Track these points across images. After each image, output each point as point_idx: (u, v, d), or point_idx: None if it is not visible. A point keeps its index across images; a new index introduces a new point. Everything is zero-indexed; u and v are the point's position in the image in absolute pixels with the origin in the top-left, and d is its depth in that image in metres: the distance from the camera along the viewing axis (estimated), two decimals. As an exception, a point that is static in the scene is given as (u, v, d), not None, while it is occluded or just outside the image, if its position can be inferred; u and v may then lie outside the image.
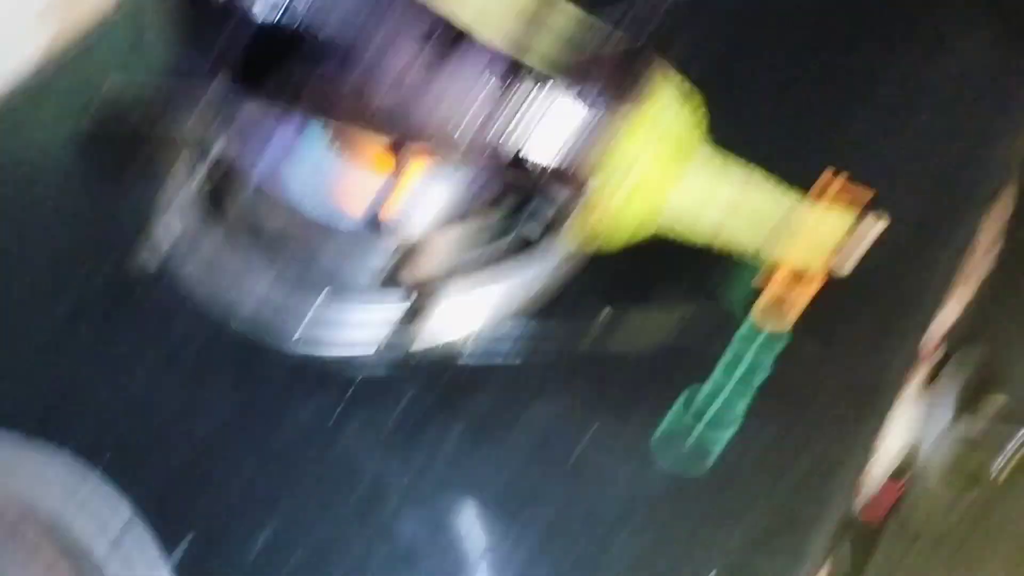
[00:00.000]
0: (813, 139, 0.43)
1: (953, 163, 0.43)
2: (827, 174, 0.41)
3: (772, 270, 0.38)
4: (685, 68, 0.36)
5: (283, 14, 0.33)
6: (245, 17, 0.33)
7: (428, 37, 0.33)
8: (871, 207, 0.40)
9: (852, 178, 0.41)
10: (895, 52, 0.46)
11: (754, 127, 0.42)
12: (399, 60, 0.33)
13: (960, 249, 0.41)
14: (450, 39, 0.33)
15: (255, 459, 0.36)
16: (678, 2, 0.40)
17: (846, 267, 0.36)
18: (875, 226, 0.34)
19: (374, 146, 0.40)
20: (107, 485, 0.35)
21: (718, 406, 0.36)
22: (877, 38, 0.47)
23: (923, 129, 0.43)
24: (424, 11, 0.33)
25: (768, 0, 0.49)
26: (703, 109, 0.36)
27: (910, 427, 0.41)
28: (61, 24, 0.53)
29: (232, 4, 0.33)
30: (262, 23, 0.33)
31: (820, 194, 0.40)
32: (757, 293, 0.39)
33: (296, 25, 0.33)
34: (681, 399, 0.36)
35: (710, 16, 0.46)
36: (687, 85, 0.36)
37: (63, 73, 0.51)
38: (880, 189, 0.40)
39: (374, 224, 0.38)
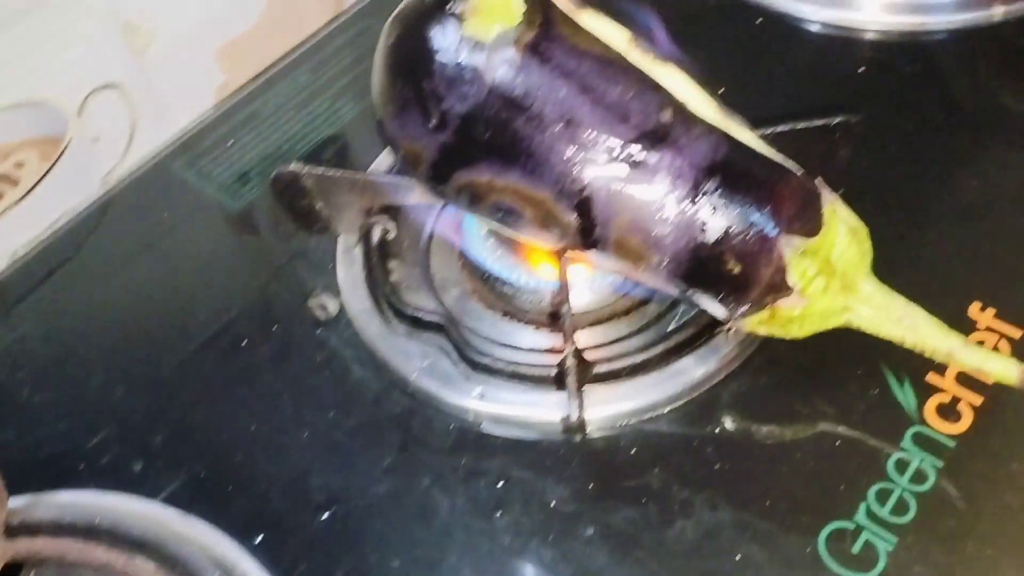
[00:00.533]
0: (965, 272, 0.43)
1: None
2: (975, 307, 0.42)
3: (946, 371, 0.39)
4: (853, 200, 0.38)
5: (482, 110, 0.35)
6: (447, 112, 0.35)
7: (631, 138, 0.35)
8: (1020, 345, 0.41)
9: (1001, 315, 0.42)
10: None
11: (906, 261, 0.43)
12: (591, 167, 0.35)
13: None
14: (652, 142, 0.35)
15: (415, 533, 0.37)
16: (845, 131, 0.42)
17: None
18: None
19: (530, 249, 0.42)
20: (261, 563, 0.36)
21: (888, 508, 0.37)
22: None
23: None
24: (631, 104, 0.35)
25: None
26: (870, 243, 0.37)
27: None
28: (235, 66, 0.56)
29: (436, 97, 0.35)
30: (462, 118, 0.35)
31: (968, 328, 0.41)
32: (931, 392, 0.39)
33: (493, 123, 0.35)
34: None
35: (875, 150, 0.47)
36: (856, 218, 0.37)
37: (243, 112, 0.54)
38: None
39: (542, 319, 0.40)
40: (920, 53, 0.53)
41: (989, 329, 0.42)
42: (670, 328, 0.42)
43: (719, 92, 0.49)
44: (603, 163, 0.35)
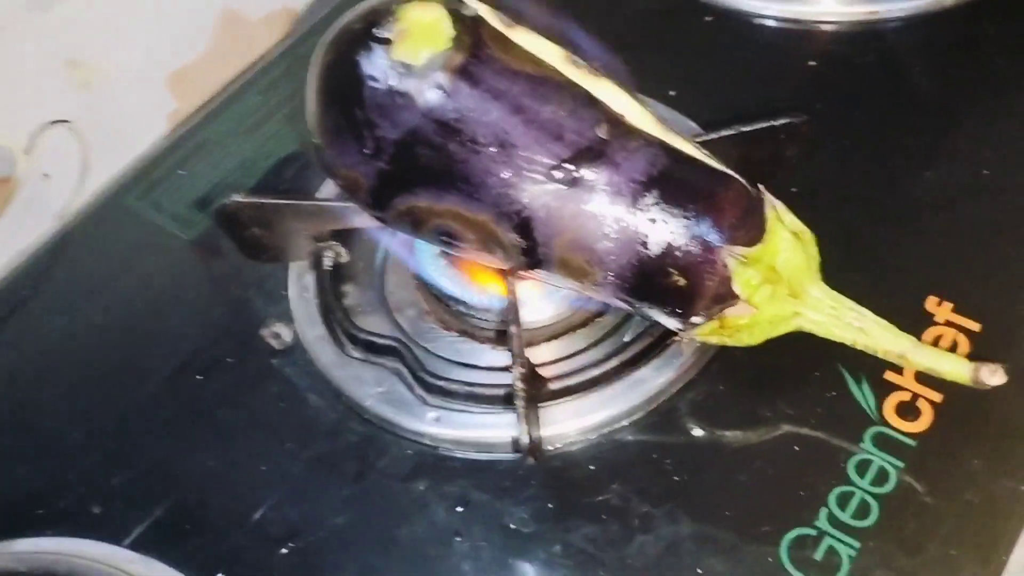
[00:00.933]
0: (921, 266, 0.43)
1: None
2: (932, 302, 0.42)
3: (903, 369, 0.39)
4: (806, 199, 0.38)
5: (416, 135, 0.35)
6: (381, 138, 0.35)
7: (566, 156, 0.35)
8: (979, 338, 0.41)
9: (959, 309, 0.42)
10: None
11: (862, 257, 0.43)
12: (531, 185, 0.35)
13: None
14: (588, 158, 0.35)
15: (375, 563, 0.37)
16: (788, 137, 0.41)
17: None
18: (994, 377, 0.34)
19: (482, 268, 0.42)
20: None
21: (850, 512, 0.36)
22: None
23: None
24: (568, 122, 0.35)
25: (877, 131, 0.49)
26: (817, 248, 0.36)
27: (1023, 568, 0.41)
28: (186, 92, 0.56)
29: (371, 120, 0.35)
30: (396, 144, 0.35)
31: (926, 323, 0.41)
32: (889, 391, 0.39)
33: (427, 148, 0.35)
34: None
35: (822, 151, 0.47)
36: (800, 223, 0.36)
37: (193, 140, 0.53)
38: (987, 322, 0.41)
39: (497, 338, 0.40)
40: (873, 43, 0.53)
41: (947, 323, 0.41)
42: (627, 339, 0.42)
43: (669, 94, 0.49)
44: (540, 183, 0.35)
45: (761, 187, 0.36)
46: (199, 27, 0.56)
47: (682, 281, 0.35)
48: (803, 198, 0.39)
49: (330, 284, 0.44)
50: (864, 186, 0.46)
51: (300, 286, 0.44)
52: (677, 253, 0.35)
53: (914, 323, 0.39)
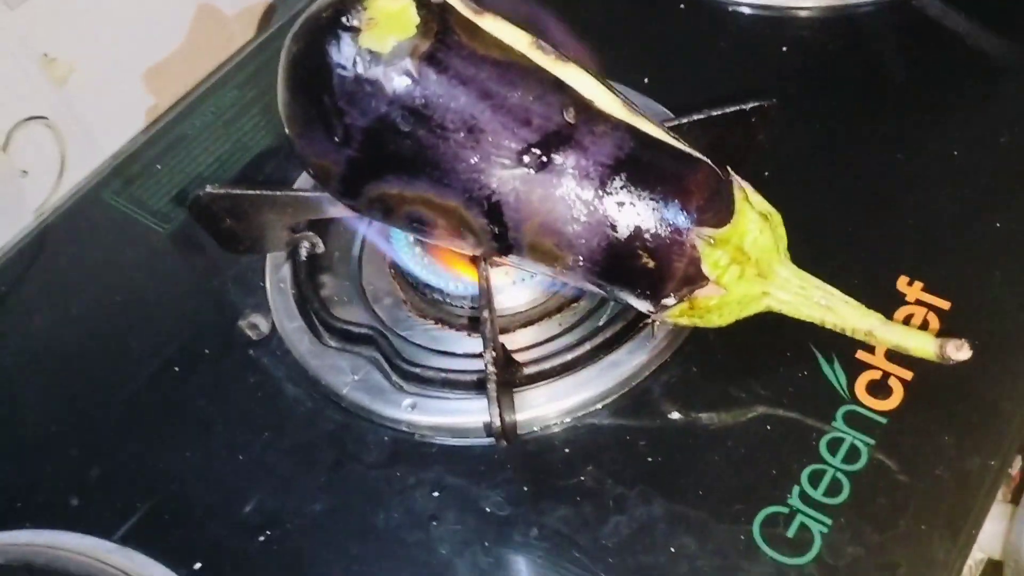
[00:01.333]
0: (892, 247, 0.43)
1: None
2: (903, 282, 0.42)
3: (874, 348, 0.39)
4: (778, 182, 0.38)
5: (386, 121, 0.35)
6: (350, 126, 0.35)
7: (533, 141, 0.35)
8: (949, 316, 0.41)
9: (929, 288, 0.42)
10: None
11: (834, 239, 0.43)
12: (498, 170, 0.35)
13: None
14: (556, 143, 0.35)
15: (351, 549, 0.37)
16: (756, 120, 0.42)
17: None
18: (959, 352, 0.34)
19: (457, 255, 0.42)
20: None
21: (821, 489, 0.37)
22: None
23: (1003, 243, 0.43)
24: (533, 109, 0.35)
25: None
26: (783, 228, 0.37)
27: (992, 541, 0.41)
28: (163, 88, 0.56)
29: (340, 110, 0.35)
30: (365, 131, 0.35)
31: (898, 302, 0.42)
32: (861, 369, 0.39)
33: (396, 135, 0.35)
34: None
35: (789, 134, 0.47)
36: (768, 205, 0.37)
37: (170, 135, 0.54)
38: (957, 300, 0.42)
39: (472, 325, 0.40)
40: (845, 29, 0.53)
41: (918, 302, 0.42)
42: (601, 323, 0.42)
43: (643, 81, 0.50)
44: (509, 168, 0.35)
45: (729, 169, 0.37)
46: (175, 21, 0.56)
47: (651, 263, 0.35)
48: (775, 182, 0.39)
49: (307, 274, 0.44)
50: (836, 169, 0.47)
51: (277, 277, 0.45)
52: (646, 236, 0.35)
53: (886, 303, 0.40)
